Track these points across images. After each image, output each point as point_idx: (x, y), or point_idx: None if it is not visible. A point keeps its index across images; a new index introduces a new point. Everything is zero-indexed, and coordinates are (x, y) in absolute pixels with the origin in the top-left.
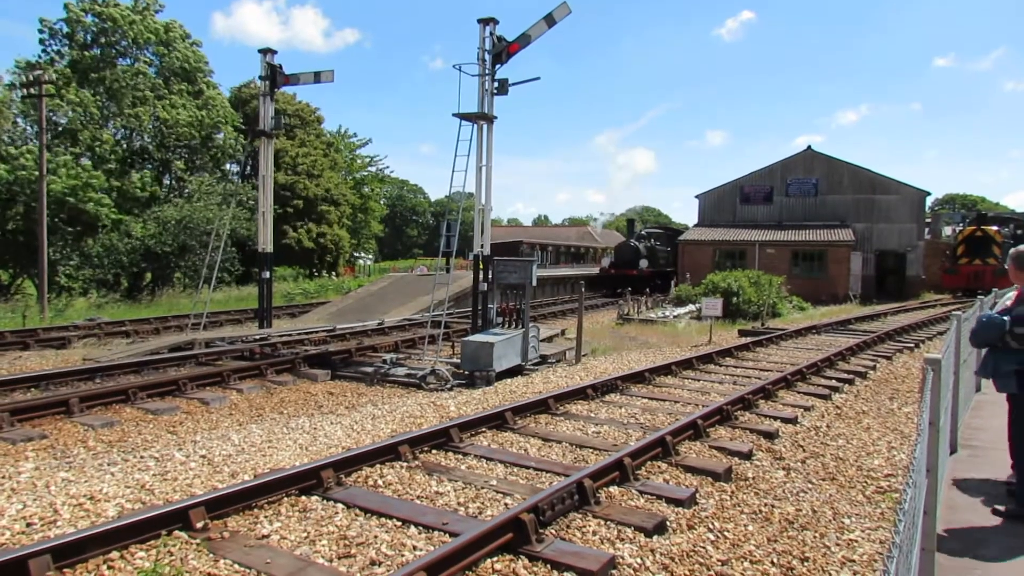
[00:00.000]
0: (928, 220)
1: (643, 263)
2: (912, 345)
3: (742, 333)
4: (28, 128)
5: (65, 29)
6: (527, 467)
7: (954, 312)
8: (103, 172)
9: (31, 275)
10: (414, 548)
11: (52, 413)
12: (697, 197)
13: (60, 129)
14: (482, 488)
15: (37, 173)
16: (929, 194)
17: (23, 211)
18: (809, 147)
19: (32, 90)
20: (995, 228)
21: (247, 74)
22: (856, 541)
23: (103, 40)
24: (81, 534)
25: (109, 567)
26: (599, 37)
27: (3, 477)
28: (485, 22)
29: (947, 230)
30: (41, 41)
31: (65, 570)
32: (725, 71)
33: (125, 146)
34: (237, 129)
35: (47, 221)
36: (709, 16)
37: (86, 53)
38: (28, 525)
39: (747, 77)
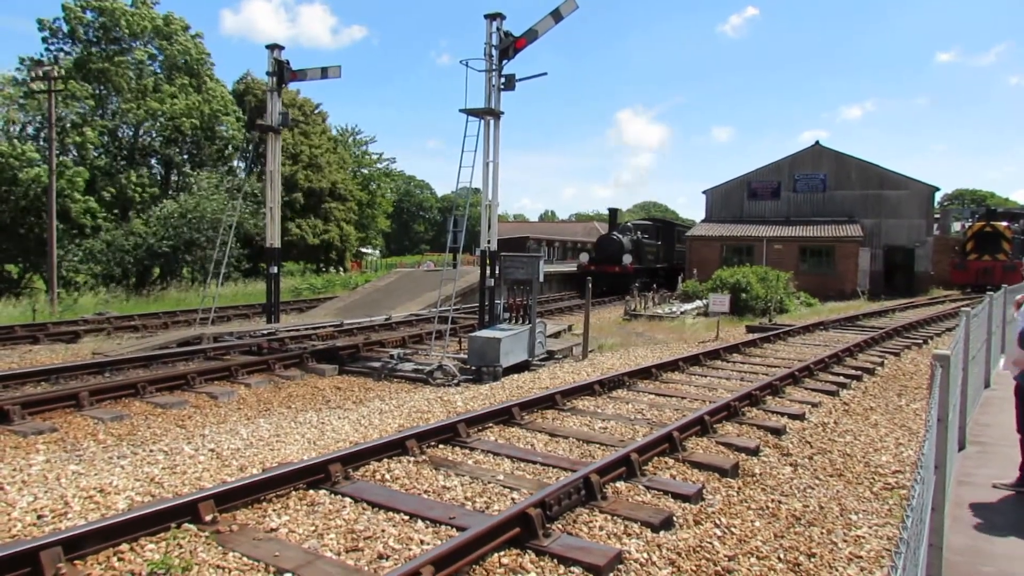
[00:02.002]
0: (937, 216)
1: (626, 258)
2: (920, 341)
3: (749, 329)
4: (24, 124)
5: (65, 28)
6: (534, 462)
7: (963, 308)
8: (95, 170)
9: (39, 270)
10: (421, 542)
11: (62, 406)
12: (704, 193)
13: (62, 127)
14: (489, 483)
15: (17, 166)
16: (938, 189)
17: (12, 203)
18: (817, 142)
19: (41, 85)
20: (1004, 224)
21: (255, 72)
22: (863, 537)
23: (103, 35)
24: (92, 526)
25: (119, 559)
26: (603, 33)
27: (14, 470)
28: (492, 17)
29: (956, 226)
30: (44, 40)
31: (76, 562)
32: (730, 67)
33: (132, 141)
34: (238, 119)
35: (36, 217)
36: (713, 13)
37: (91, 50)
38: (39, 517)
39: (752, 73)
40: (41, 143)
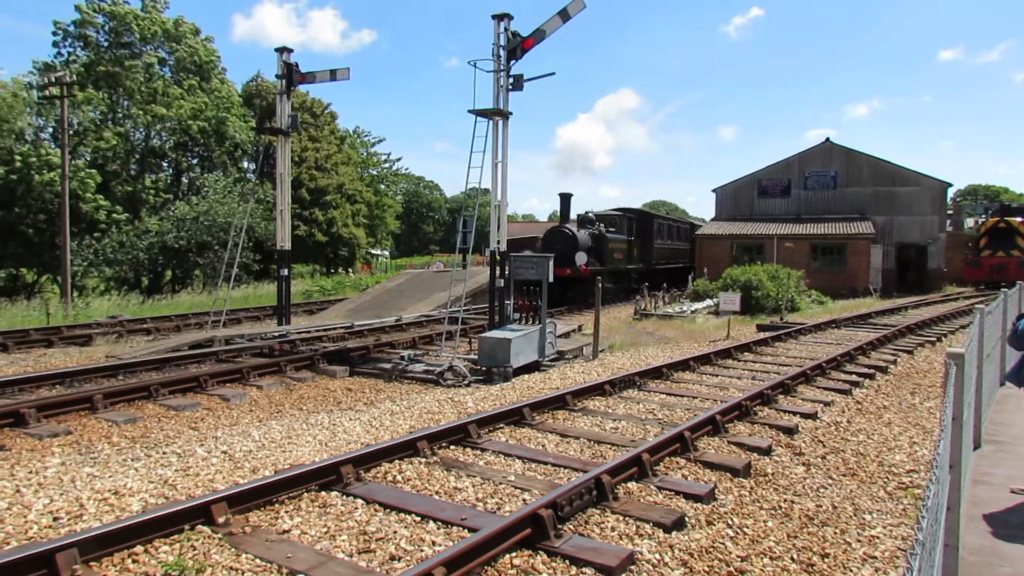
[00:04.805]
0: (950, 212)
1: (580, 258)
2: (934, 339)
3: (760, 328)
4: (45, 130)
5: (76, 31)
6: (545, 463)
7: (977, 305)
8: (108, 173)
9: (53, 273)
10: (433, 543)
11: (77, 409)
12: (714, 191)
13: (73, 131)
14: (500, 484)
15: (29, 171)
16: (951, 185)
17: (26, 206)
18: (828, 139)
19: (54, 90)
20: (1019, 219)
21: (266, 75)
22: (878, 537)
23: (114, 39)
24: (106, 528)
25: (134, 561)
26: (607, 34)
27: (30, 472)
28: (500, 18)
29: (969, 222)
30: (55, 44)
31: (91, 563)
32: (735, 67)
33: (144, 144)
34: (247, 123)
35: (46, 218)
36: (716, 14)
37: (102, 54)
38: (55, 519)
39: (756, 73)
40: (53, 146)
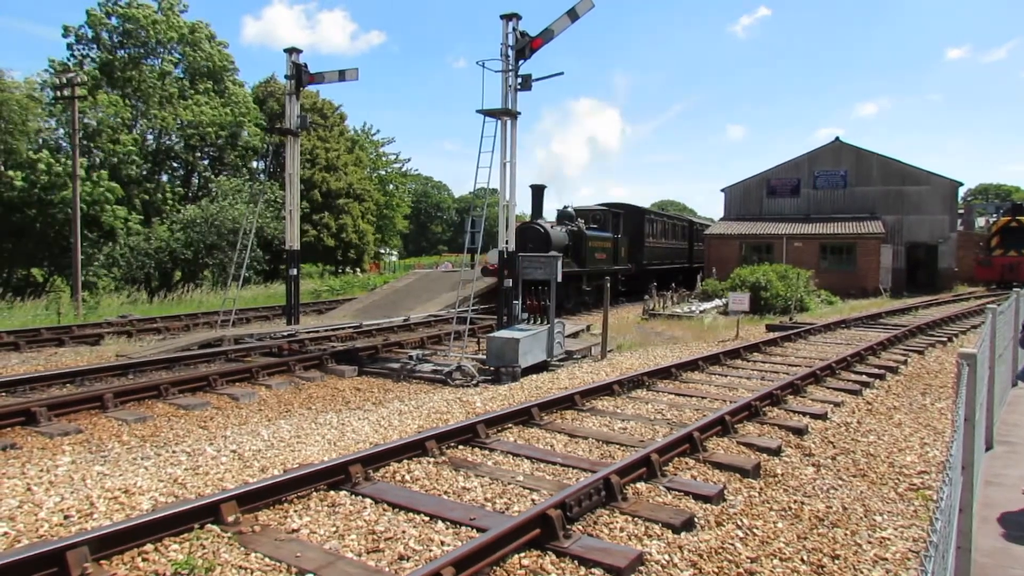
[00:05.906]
0: (961, 211)
1: None
2: (945, 339)
3: (770, 328)
4: (58, 131)
5: (90, 33)
6: (554, 463)
7: (988, 305)
8: (125, 176)
9: (64, 273)
10: (442, 543)
11: (87, 408)
12: (723, 190)
13: (85, 133)
14: (509, 484)
15: (51, 180)
16: (961, 184)
17: (39, 213)
18: (837, 139)
19: (65, 92)
20: None
21: (278, 76)
22: (888, 539)
23: (129, 41)
24: (117, 527)
25: (144, 559)
26: (612, 34)
27: (41, 470)
28: (508, 17)
29: (980, 221)
30: (69, 46)
31: (102, 561)
32: (743, 66)
33: (154, 146)
34: (259, 126)
35: (65, 222)
36: (723, 14)
37: (114, 56)
38: (66, 517)
39: (764, 72)
40: (66, 148)
